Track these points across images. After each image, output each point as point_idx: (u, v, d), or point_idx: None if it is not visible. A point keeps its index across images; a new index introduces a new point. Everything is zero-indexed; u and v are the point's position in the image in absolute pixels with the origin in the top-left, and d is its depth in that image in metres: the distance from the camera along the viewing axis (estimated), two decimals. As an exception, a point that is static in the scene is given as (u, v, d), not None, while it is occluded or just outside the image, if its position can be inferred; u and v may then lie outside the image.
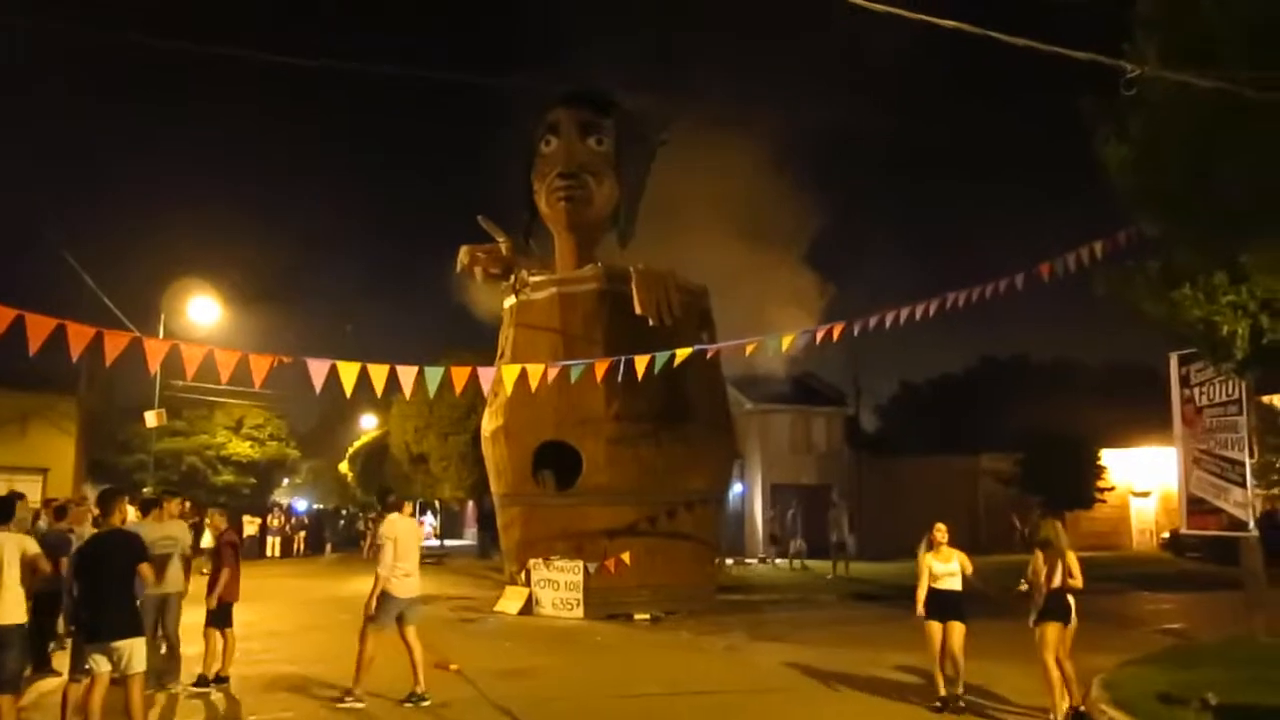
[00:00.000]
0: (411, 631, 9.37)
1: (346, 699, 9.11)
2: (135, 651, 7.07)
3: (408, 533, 9.63)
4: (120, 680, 7.11)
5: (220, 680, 10.00)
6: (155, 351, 7.31)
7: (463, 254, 18.72)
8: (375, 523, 39.13)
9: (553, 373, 10.03)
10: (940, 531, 9.64)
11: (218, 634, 10.05)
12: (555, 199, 18.34)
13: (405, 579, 9.38)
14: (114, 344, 6.93)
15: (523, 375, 9.96)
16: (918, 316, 10.88)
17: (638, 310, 16.05)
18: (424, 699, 9.11)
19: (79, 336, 6.71)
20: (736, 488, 33.23)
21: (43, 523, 11.55)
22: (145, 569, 7.47)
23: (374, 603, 9.25)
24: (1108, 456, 31.29)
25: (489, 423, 17.89)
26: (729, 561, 24.23)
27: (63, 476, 25.97)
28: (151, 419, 23.40)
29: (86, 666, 7.06)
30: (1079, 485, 29.81)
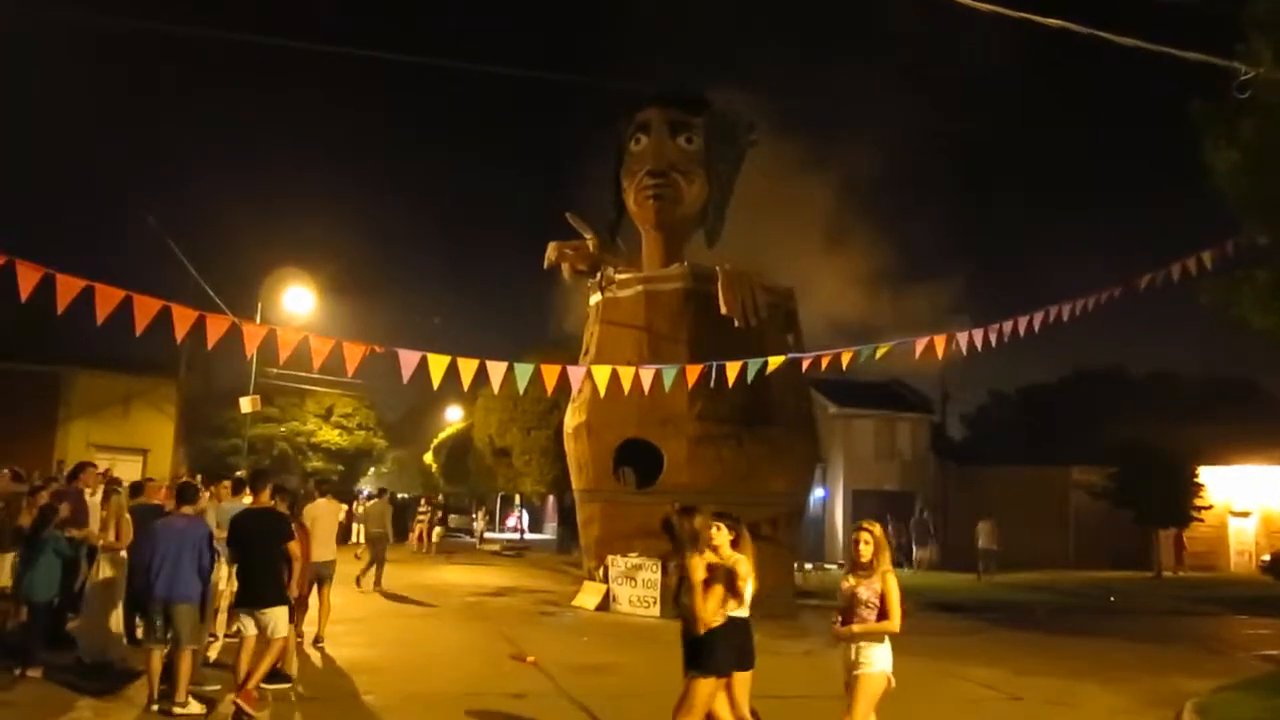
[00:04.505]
0: (326, 591, 11.70)
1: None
2: (280, 619, 7.93)
3: (325, 514, 11.96)
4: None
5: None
6: (253, 336, 7.52)
7: (551, 250, 18.89)
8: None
9: (646, 376, 9.95)
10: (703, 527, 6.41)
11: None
12: (644, 197, 18.36)
13: (320, 548, 11.44)
14: (215, 327, 7.14)
15: (612, 375, 9.96)
16: (1021, 331, 10.49)
17: (723, 310, 16.00)
18: (321, 641, 11.28)
19: (183, 319, 6.94)
20: (818, 492, 32.94)
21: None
22: (293, 547, 8.13)
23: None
24: (1205, 474, 30.16)
25: (571, 419, 18.00)
26: (808, 566, 24.00)
27: (162, 458, 26.94)
28: (246, 404, 24.01)
29: (234, 628, 7.73)
30: (1175, 502, 28.80)
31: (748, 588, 6.14)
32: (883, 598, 5.99)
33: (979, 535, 27.75)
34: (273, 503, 8.65)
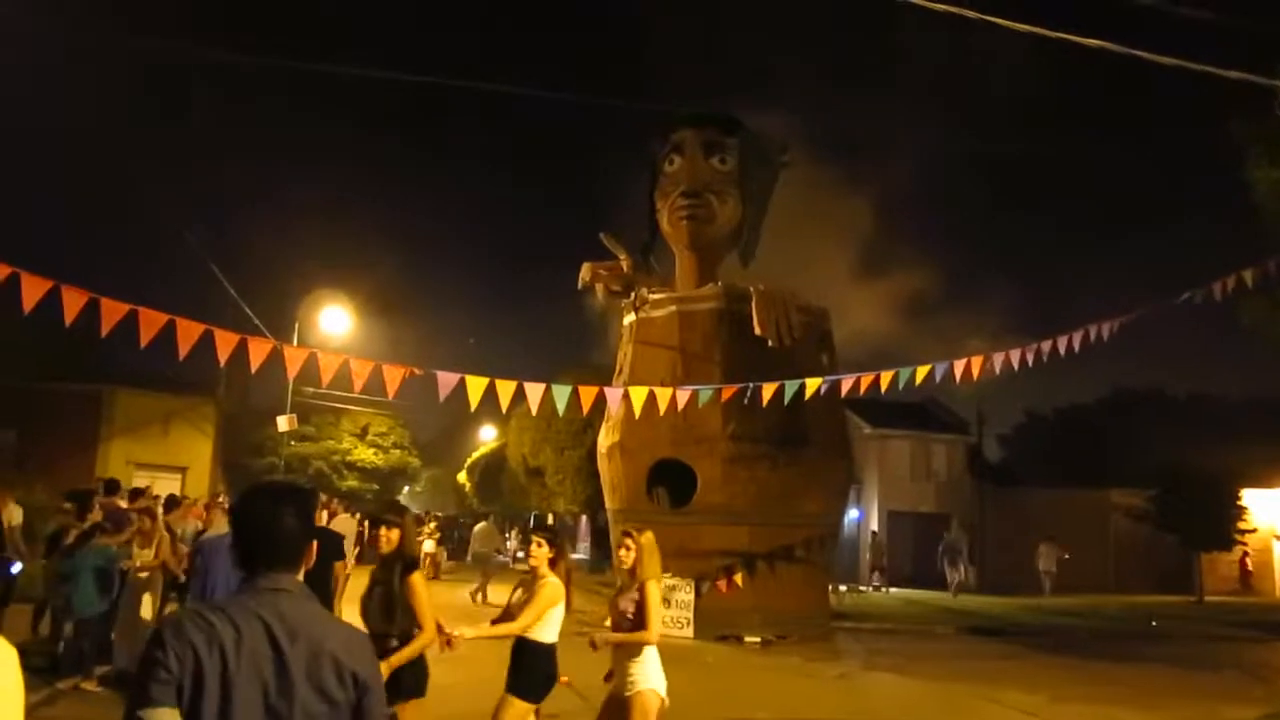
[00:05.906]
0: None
1: None
2: None
3: (345, 530, 12.38)
4: None
5: None
6: (294, 358, 7.63)
7: (585, 270, 19.00)
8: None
9: (682, 397, 9.96)
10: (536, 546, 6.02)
11: None
12: (678, 218, 18.42)
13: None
14: (257, 350, 7.26)
15: (647, 395, 9.98)
16: (1061, 351, 10.41)
17: (757, 330, 15.99)
18: None
19: (225, 342, 7.06)
20: (853, 513, 32.72)
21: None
22: (339, 566, 8.12)
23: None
24: (1249, 496, 29.61)
25: (605, 438, 18.02)
26: (843, 588, 23.83)
27: (200, 475, 27.27)
28: (283, 423, 24.22)
29: None
30: (1218, 525, 28.26)
31: (554, 612, 5.83)
32: (639, 608, 5.65)
33: (1039, 557, 28.77)
34: (328, 522, 8.87)
